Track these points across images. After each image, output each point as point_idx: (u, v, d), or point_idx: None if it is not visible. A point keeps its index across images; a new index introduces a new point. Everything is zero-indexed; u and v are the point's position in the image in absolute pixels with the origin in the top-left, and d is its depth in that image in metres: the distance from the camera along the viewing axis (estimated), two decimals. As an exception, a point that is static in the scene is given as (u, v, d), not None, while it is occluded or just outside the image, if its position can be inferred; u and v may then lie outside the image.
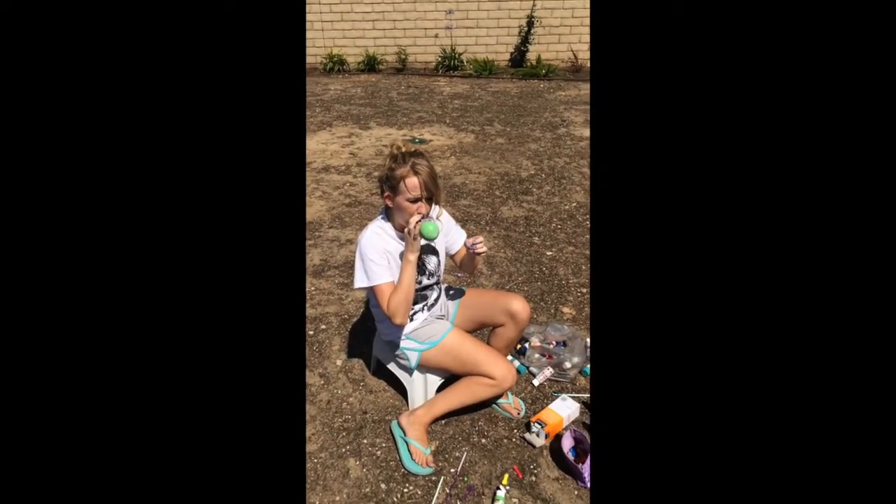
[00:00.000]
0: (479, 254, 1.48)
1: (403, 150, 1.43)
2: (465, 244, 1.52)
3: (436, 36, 7.26)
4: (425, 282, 1.59)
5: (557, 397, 1.70)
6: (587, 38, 7.11)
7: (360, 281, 1.48)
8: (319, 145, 4.31)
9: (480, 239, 1.46)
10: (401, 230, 1.50)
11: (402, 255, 1.51)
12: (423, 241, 1.46)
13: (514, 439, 1.59)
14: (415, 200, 1.41)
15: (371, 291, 1.51)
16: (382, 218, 1.54)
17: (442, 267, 1.65)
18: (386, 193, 1.47)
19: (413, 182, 1.39)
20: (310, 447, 1.57)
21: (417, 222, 1.39)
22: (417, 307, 1.61)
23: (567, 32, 7.13)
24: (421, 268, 1.57)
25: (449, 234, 1.64)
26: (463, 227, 2.89)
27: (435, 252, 1.61)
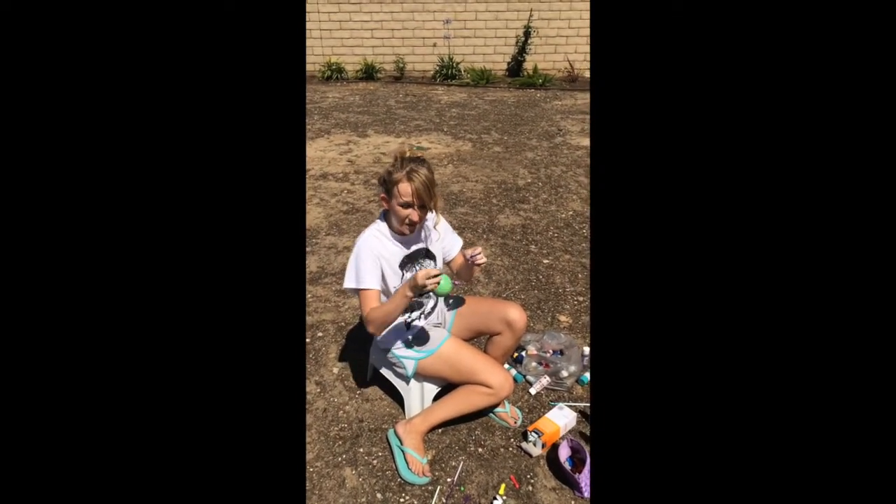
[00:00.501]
0: (478, 265, 1.48)
1: (407, 155, 1.45)
2: (463, 255, 1.52)
3: (434, 45, 7.32)
4: None
5: (554, 406, 1.70)
6: (583, 48, 7.19)
7: (349, 281, 1.49)
8: (317, 152, 4.32)
9: (479, 250, 1.46)
10: (397, 232, 1.52)
11: (401, 265, 1.52)
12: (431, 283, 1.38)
13: (510, 448, 1.59)
14: (406, 206, 1.42)
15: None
16: (381, 219, 1.55)
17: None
18: (382, 195, 1.49)
19: (406, 188, 1.40)
20: (306, 456, 1.56)
21: (433, 279, 1.32)
22: (414, 315, 1.61)
23: (563, 43, 7.20)
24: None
25: (445, 241, 1.65)
26: (460, 234, 2.91)
27: (432, 257, 1.61)
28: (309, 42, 7.37)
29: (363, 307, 1.47)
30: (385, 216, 1.54)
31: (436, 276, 1.32)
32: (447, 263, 1.69)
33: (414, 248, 1.57)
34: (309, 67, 7.43)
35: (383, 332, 1.59)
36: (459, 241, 1.67)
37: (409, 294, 1.37)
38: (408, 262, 1.55)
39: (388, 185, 1.44)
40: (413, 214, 1.43)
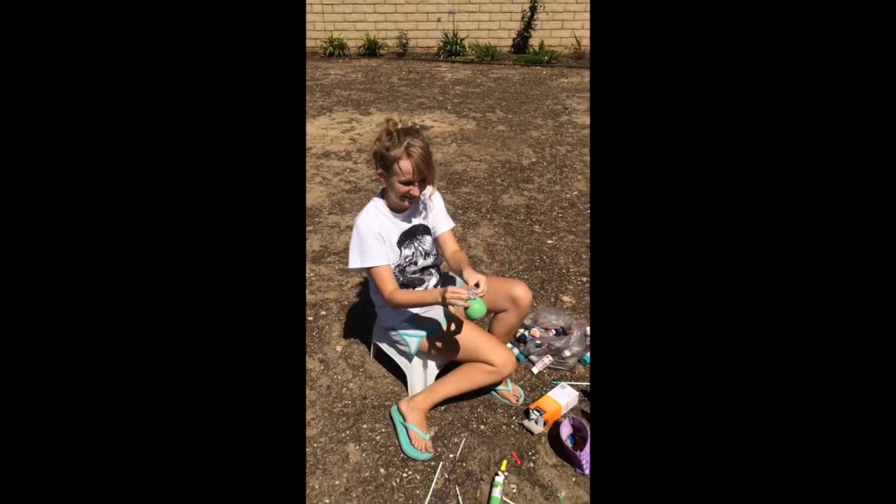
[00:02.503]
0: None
1: (399, 126, 1.41)
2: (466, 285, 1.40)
3: (438, 20, 7.16)
4: (422, 262, 1.59)
5: (556, 385, 1.71)
6: (591, 24, 7.03)
7: (353, 261, 1.49)
8: (319, 130, 4.27)
9: (479, 289, 1.36)
10: (394, 208, 1.51)
11: (398, 242, 1.52)
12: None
13: (512, 426, 1.60)
14: (408, 183, 1.41)
15: (368, 273, 1.51)
16: (379, 196, 1.54)
17: (437, 247, 1.64)
18: (379, 170, 1.47)
19: (406, 165, 1.39)
20: (310, 432, 1.58)
21: (461, 301, 1.31)
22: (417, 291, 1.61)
23: (570, 18, 7.03)
24: (416, 250, 1.57)
25: (436, 217, 1.62)
26: (463, 214, 2.90)
27: (429, 232, 1.60)
28: (310, 17, 7.22)
29: (382, 286, 1.47)
30: (383, 193, 1.52)
31: (465, 297, 1.31)
32: (435, 240, 1.64)
33: (412, 223, 1.55)
34: (310, 43, 7.30)
35: (386, 310, 1.59)
36: (449, 221, 1.63)
37: (436, 301, 1.39)
38: (406, 239, 1.54)
39: (386, 161, 1.42)
40: (414, 190, 1.42)
